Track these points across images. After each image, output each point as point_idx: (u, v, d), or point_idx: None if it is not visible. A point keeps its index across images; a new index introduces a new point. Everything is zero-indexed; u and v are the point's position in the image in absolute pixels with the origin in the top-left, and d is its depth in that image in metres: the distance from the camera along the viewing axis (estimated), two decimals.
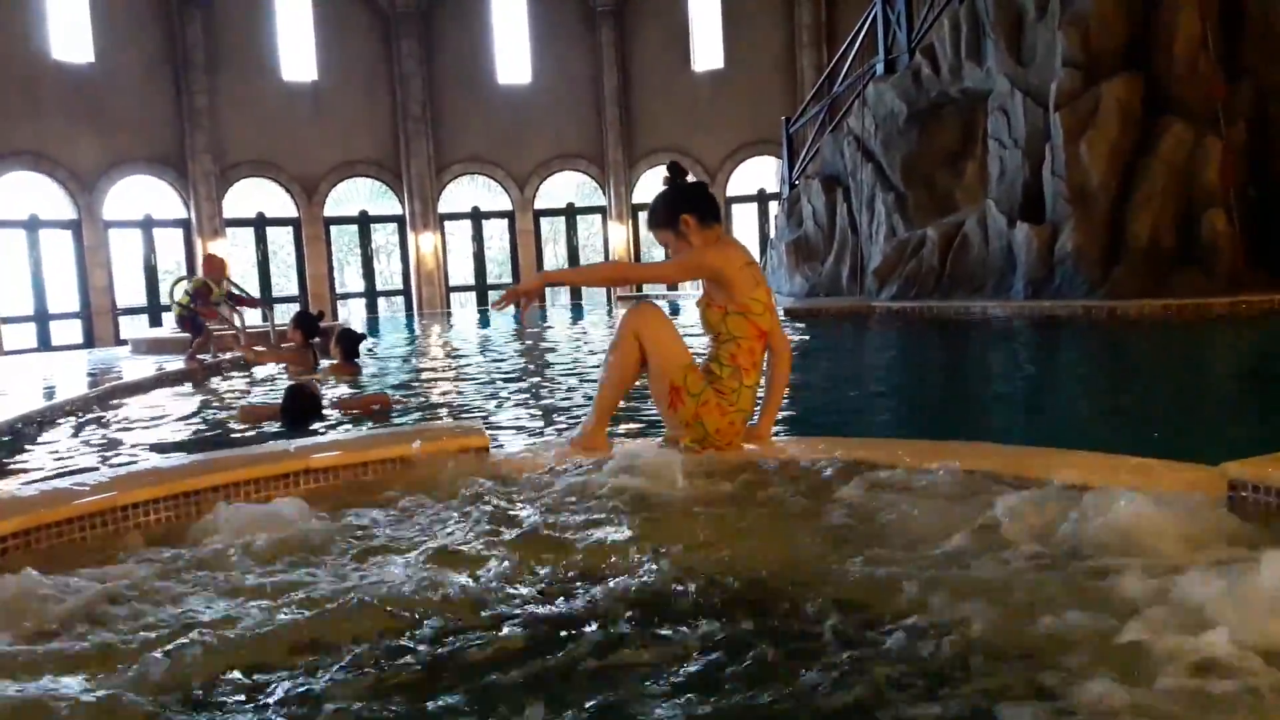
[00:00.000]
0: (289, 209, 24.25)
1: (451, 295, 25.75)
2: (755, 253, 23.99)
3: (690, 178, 4.06)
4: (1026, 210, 12.56)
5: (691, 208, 3.80)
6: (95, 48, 21.52)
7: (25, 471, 5.49)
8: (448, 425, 4.14)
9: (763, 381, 3.94)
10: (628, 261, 4.25)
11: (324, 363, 9.50)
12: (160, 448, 6.11)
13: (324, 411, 6.45)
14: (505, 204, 25.80)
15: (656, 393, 3.82)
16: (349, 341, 9.29)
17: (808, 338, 12.07)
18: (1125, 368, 8.54)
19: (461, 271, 26.26)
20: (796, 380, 8.43)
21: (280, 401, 6.39)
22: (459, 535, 2.81)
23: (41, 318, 21.14)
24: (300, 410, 6.14)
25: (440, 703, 1.84)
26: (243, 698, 1.89)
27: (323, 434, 5.83)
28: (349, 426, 6.28)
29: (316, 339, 9.69)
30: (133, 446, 6.32)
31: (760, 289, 3.74)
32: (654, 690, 1.83)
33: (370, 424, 6.39)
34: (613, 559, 2.56)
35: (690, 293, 25.16)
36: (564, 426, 6.02)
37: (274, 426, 6.29)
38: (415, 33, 24.38)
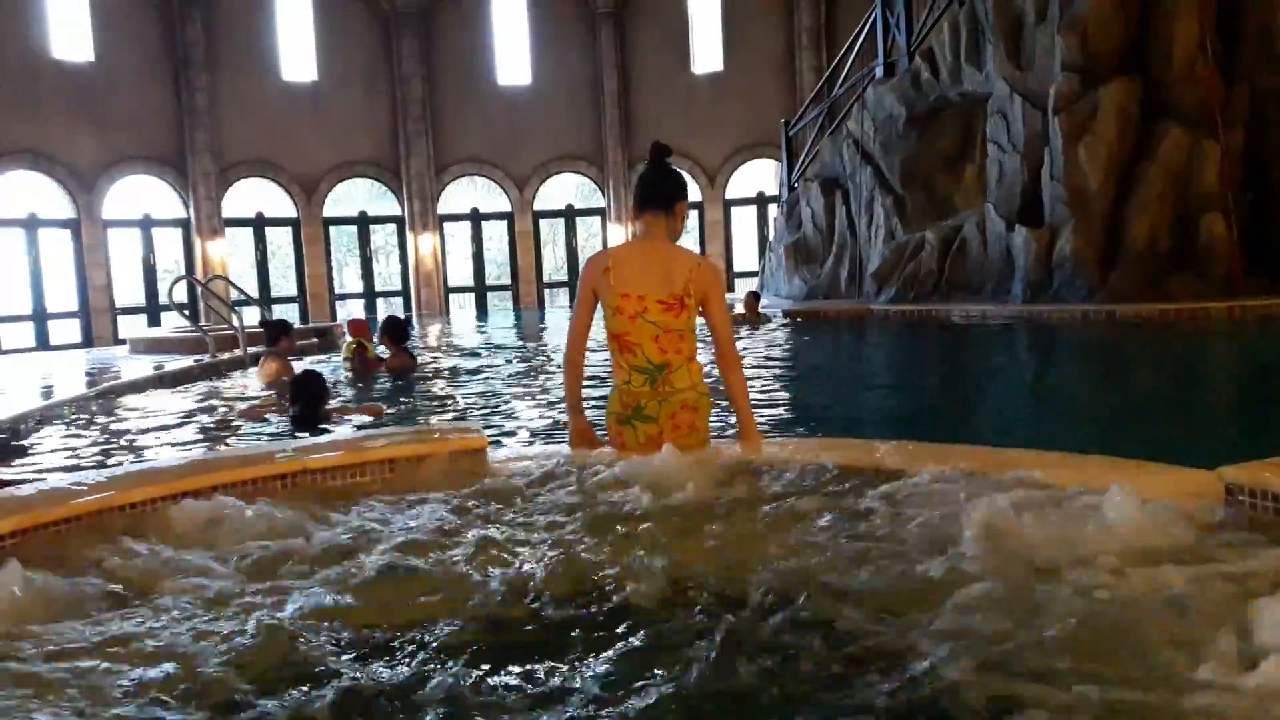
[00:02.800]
0: (288, 209, 24.24)
1: (450, 296, 25.74)
2: (755, 255, 23.87)
3: (672, 160, 4.07)
4: (1025, 214, 12.58)
5: (633, 196, 3.95)
6: (95, 46, 21.52)
7: (23, 469, 5.49)
8: (445, 426, 4.14)
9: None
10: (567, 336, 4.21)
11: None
12: (161, 447, 6.11)
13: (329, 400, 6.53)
14: (504, 205, 25.80)
15: None
16: (396, 329, 9.38)
17: (806, 339, 12.08)
18: (1123, 371, 8.55)
19: (460, 273, 26.26)
20: (797, 381, 8.46)
21: (275, 394, 6.44)
22: (454, 537, 2.80)
23: (40, 317, 21.13)
24: (312, 393, 6.25)
25: (431, 703, 1.84)
26: (231, 700, 1.89)
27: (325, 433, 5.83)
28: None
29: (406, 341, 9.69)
30: (135, 445, 6.32)
31: (613, 294, 3.71)
32: (647, 694, 1.83)
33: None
34: (607, 562, 2.55)
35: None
36: (560, 427, 6.01)
37: (277, 421, 6.30)
38: (415, 33, 24.39)
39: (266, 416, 6.75)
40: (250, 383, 9.27)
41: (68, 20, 21.16)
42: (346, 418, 6.67)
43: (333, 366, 9.69)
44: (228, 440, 6.45)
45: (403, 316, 9.89)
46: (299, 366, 8.78)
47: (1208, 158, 11.34)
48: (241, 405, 7.78)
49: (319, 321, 20.29)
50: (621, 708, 1.79)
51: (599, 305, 3.83)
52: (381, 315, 24.24)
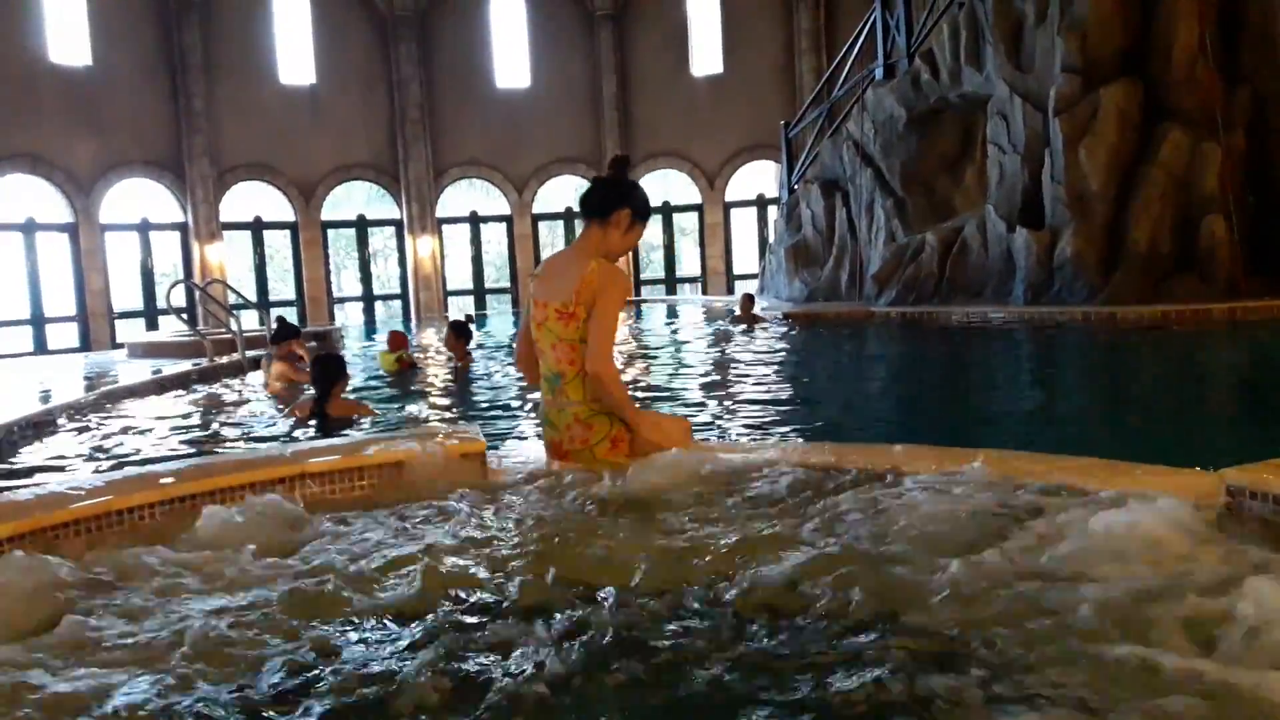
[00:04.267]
0: (286, 213, 24.24)
1: (449, 299, 25.74)
2: (755, 257, 23.99)
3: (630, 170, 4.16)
4: (1026, 215, 12.57)
5: None
6: (92, 50, 21.52)
7: (21, 474, 5.47)
8: (445, 430, 4.12)
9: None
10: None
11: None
12: (158, 451, 6.09)
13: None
14: (503, 208, 25.81)
15: None
16: (464, 333, 10.19)
17: (806, 342, 12.07)
18: (1124, 373, 8.54)
19: (459, 275, 26.26)
20: (796, 384, 8.45)
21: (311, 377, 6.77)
22: (452, 541, 2.79)
23: (38, 321, 21.12)
24: (328, 374, 6.52)
25: (426, 705, 1.83)
26: (229, 701, 1.87)
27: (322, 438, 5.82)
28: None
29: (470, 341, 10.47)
30: (132, 449, 6.30)
31: (532, 301, 3.83)
32: (635, 698, 1.82)
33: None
34: (603, 567, 2.54)
35: (690, 298, 25.16)
36: None
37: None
38: (413, 36, 24.41)
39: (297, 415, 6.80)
40: (253, 386, 9.29)
41: (65, 24, 21.17)
42: (360, 416, 6.76)
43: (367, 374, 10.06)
44: (231, 444, 6.43)
45: (464, 318, 10.51)
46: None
47: (1209, 160, 11.33)
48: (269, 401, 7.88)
49: (318, 325, 20.28)
50: (610, 710, 1.79)
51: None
52: (380, 319, 24.42)
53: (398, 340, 10.26)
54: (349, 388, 7.08)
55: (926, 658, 1.90)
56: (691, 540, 2.72)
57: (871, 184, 15.52)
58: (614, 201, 3.80)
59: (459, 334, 10.13)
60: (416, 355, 10.23)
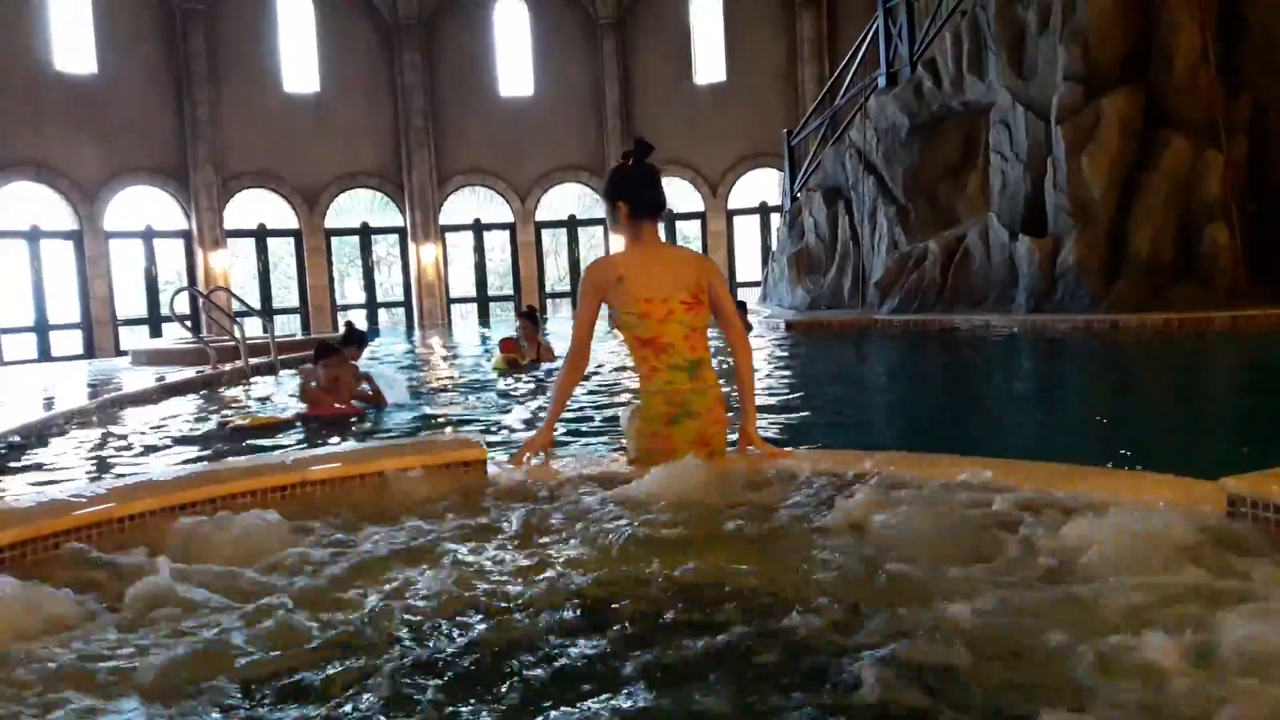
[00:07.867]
0: (290, 220, 24.29)
1: (452, 307, 25.77)
2: (758, 265, 23.94)
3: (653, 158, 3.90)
4: (1028, 223, 12.58)
5: (626, 195, 3.83)
6: (97, 58, 21.61)
7: (24, 481, 5.48)
8: (445, 438, 4.13)
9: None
10: (574, 339, 4.12)
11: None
12: (161, 459, 6.10)
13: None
14: (506, 215, 25.85)
15: None
16: (536, 320, 10.53)
17: (809, 350, 12.07)
18: (1126, 381, 8.53)
19: (462, 283, 26.30)
20: (799, 391, 8.45)
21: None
22: (450, 549, 2.79)
23: (42, 328, 21.17)
24: (358, 336, 7.20)
25: (427, 713, 1.83)
26: (232, 712, 1.88)
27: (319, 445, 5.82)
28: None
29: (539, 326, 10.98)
30: (135, 457, 6.31)
31: (632, 300, 3.72)
32: (640, 707, 1.81)
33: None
34: (602, 575, 2.54)
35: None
36: (566, 439, 5.99)
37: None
38: (417, 44, 24.48)
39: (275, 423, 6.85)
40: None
41: (71, 33, 21.27)
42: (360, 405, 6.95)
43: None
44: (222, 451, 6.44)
45: (526, 307, 11.33)
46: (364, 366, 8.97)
47: (1210, 167, 11.34)
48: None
49: (321, 332, 20.30)
50: (618, 714, 1.78)
51: (605, 313, 3.88)
52: (384, 326, 24.44)
53: (509, 346, 10.61)
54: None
55: (931, 666, 1.89)
56: (694, 548, 2.71)
57: (874, 192, 15.54)
58: (664, 199, 3.98)
59: (535, 323, 10.23)
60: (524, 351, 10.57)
